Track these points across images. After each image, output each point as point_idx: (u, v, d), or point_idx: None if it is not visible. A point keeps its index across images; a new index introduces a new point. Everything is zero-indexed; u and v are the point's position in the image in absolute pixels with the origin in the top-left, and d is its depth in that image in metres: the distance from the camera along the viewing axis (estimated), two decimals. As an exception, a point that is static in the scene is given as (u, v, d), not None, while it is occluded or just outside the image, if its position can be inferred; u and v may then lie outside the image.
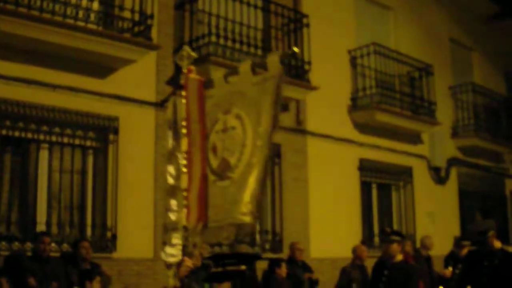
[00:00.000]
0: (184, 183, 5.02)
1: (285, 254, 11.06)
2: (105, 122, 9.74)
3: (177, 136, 5.21)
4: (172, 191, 5.15)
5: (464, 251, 10.55)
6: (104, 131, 9.82)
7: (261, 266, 10.28)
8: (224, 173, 4.80)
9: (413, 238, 14.32)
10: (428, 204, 15.05)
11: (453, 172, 16.36)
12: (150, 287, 9.52)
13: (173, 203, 5.12)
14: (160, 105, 10.12)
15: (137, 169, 9.85)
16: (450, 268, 9.96)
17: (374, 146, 13.95)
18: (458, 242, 10.73)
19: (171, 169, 5.22)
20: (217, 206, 4.83)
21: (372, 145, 13.90)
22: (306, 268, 10.71)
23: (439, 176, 15.83)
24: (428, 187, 15.43)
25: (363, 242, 12.41)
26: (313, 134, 12.73)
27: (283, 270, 9.85)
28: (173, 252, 5.07)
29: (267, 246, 11.79)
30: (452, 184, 16.31)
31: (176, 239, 5.03)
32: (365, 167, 13.69)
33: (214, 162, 4.94)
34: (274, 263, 9.96)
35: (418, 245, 13.21)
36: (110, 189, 9.70)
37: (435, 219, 14.89)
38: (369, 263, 11.27)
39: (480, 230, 7.30)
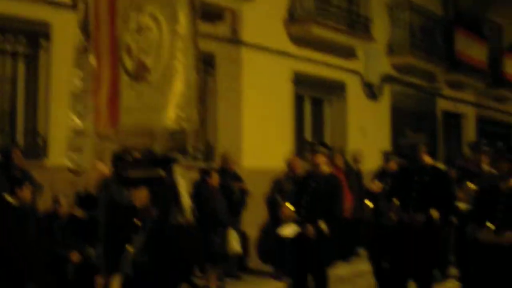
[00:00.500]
0: (93, 86, 4.84)
1: (217, 164, 11.11)
2: (36, 28, 9.45)
3: (87, 37, 5.03)
4: (80, 95, 4.97)
5: (391, 165, 10.77)
6: (35, 37, 9.54)
7: (193, 176, 10.32)
8: (140, 75, 4.68)
9: (344, 152, 14.57)
10: (360, 119, 15.27)
11: (387, 89, 16.57)
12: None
13: (80, 107, 4.95)
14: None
15: (69, 75, 9.62)
16: (377, 182, 10.01)
17: (309, 59, 13.96)
18: (387, 156, 10.88)
19: (79, 72, 5.02)
20: (132, 110, 4.71)
21: (307, 59, 13.90)
22: (237, 178, 10.79)
23: (372, 92, 16.01)
24: (361, 102, 15.61)
25: (296, 155, 12.57)
26: (249, 45, 12.64)
27: (214, 180, 9.87)
28: (80, 159, 4.92)
29: (199, 155, 11.78)
30: (385, 100, 16.54)
31: (85, 144, 4.87)
32: (299, 80, 13.72)
33: (129, 64, 4.81)
34: (205, 173, 9.99)
35: (349, 159, 13.46)
36: (41, 96, 9.51)
37: (366, 135, 15.13)
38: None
39: (410, 144, 7.47)
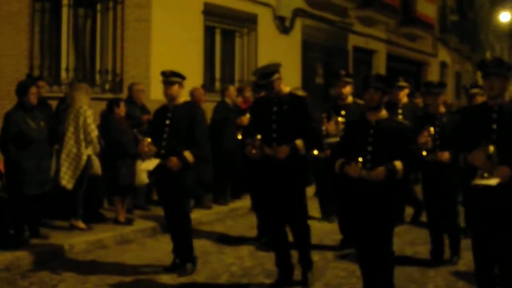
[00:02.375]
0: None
1: (124, 95, 10.93)
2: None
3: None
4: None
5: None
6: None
7: (101, 106, 10.14)
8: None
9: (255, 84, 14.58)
10: (271, 52, 15.17)
11: (298, 23, 16.55)
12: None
13: None
14: None
15: None
16: (248, 115, 9.64)
17: (221, -10, 13.76)
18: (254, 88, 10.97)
19: None
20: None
21: (218, -11, 13.70)
22: (145, 110, 10.67)
23: (283, 25, 15.98)
24: (272, 35, 15.56)
25: (204, 86, 12.49)
26: (159, -26, 12.34)
27: (121, 109, 9.72)
28: None
29: (107, 86, 11.61)
30: (296, 34, 16.54)
31: None
32: (210, 11, 13.51)
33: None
34: (112, 103, 9.82)
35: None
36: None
37: (277, 68, 15.13)
38: (208, 107, 11.46)
39: (263, 73, 6.84)
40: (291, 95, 6.89)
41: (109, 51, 11.65)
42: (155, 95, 11.70)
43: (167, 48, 12.22)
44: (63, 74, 10.91)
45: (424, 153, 7.57)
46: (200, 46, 13.31)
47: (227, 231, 9.86)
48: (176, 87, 7.42)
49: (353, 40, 19.66)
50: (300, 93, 7.22)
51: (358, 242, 6.13)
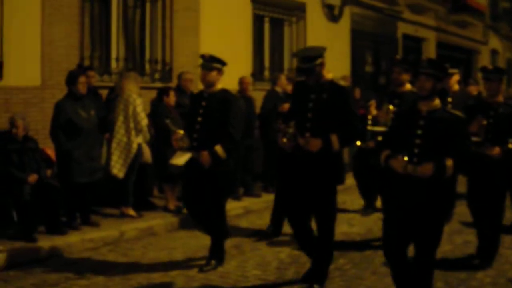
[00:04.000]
0: None
1: (174, 84, 10.98)
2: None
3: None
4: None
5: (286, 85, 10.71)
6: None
7: (151, 95, 10.23)
8: None
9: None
10: (319, 41, 15.01)
11: (347, 11, 16.43)
12: (37, 115, 9.32)
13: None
14: None
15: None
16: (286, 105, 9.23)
17: (269, -21, 13.73)
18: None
19: None
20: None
21: (266, -21, 13.68)
22: (194, 98, 10.70)
23: (332, 13, 15.86)
24: (321, 24, 15.47)
25: (253, 75, 12.49)
26: (208, -36, 12.35)
27: (171, 98, 9.80)
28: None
29: (157, 76, 11.68)
30: (345, 22, 16.41)
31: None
32: (258, 0, 13.49)
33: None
34: (162, 92, 9.89)
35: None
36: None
37: (326, 56, 15.03)
38: (258, 96, 11.46)
39: (306, 56, 6.23)
40: (332, 83, 6.23)
41: (158, 41, 11.72)
42: (204, 84, 11.74)
43: (216, 37, 12.24)
44: (113, 63, 11.00)
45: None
46: (249, 35, 13.29)
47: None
48: (214, 73, 6.96)
49: (403, 28, 19.44)
50: (343, 82, 6.53)
51: (397, 244, 5.44)
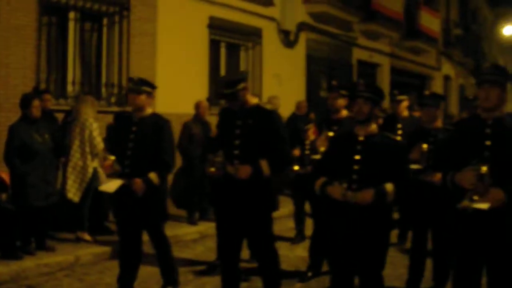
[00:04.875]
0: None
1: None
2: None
3: None
4: None
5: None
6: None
7: (107, 119, 10.22)
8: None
9: (260, 98, 14.66)
10: (275, 66, 15.34)
11: (302, 37, 16.66)
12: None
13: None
14: None
15: None
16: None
17: (225, 5, 13.88)
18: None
19: None
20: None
21: (223, 4, 13.82)
22: (151, 122, 10.71)
23: (288, 39, 16.08)
24: (277, 49, 15.67)
25: (209, 99, 12.54)
26: (164, -12, 12.45)
27: (127, 123, 9.79)
28: None
29: (113, 99, 11.69)
30: (301, 48, 16.64)
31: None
32: (215, 25, 13.62)
33: None
34: (119, 116, 9.88)
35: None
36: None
37: (282, 82, 15.23)
38: (214, 120, 11.48)
39: (228, 81, 5.97)
40: (258, 108, 6.02)
41: (115, 65, 11.74)
42: (160, 108, 11.76)
43: (172, 61, 12.31)
44: (69, 87, 10.99)
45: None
46: (205, 60, 13.39)
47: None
48: (143, 96, 6.56)
49: (357, 54, 19.76)
50: (269, 106, 6.37)
51: (342, 270, 5.30)
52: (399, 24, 21.19)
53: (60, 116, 9.87)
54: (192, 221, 10.54)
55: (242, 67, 15.03)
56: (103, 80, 11.69)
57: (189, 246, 9.56)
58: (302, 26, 16.48)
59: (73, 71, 11.10)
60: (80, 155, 8.97)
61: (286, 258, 8.74)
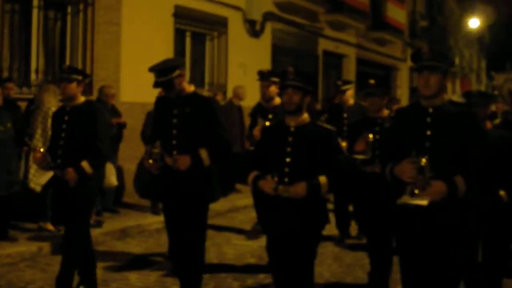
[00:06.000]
0: None
1: (94, 97, 10.92)
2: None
3: None
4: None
5: None
6: None
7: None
8: None
9: (224, 88, 14.69)
10: (241, 56, 15.32)
11: (268, 27, 16.65)
12: None
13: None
14: None
15: None
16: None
17: (191, -6, 13.82)
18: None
19: None
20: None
21: (188, -7, 13.76)
22: (115, 112, 10.68)
23: (254, 29, 16.06)
24: (242, 39, 15.65)
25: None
26: (129, -23, 12.35)
27: (90, 112, 9.73)
28: None
29: (77, 89, 11.58)
30: (266, 38, 16.63)
31: None
32: (180, 14, 13.54)
33: None
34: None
35: (230, 95, 13.59)
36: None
37: (247, 71, 15.22)
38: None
39: (161, 69, 5.76)
40: (195, 95, 5.87)
41: (79, 53, 11.64)
42: (125, 97, 11.76)
43: (137, 50, 12.23)
44: (33, 75, 10.88)
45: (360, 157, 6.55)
46: (171, 49, 13.33)
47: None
48: (74, 85, 6.30)
49: (323, 44, 19.81)
50: (206, 93, 6.25)
51: (278, 269, 5.11)
52: (365, 15, 21.29)
53: (23, 105, 9.78)
54: (155, 211, 10.54)
55: (208, 57, 15.00)
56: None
57: (153, 236, 9.58)
58: (268, 16, 16.48)
59: (36, 60, 10.98)
60: (43, 144, 8.90)
61: (251, 248, 8.82)
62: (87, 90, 11.35)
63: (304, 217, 4.92)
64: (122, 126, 10.58)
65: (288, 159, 4.93)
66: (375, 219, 6.72)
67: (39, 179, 6.41)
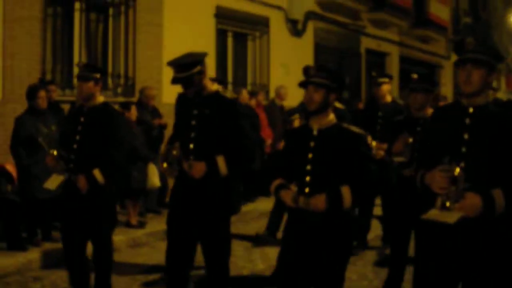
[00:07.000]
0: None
1: (136, 99, 10.96)
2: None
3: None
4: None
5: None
6: None
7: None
8: None
9: (267, 88, 14.61)
10: (283, 55, 15.24)
11: (310, 26, 16.53)
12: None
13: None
14: None
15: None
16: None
17: (232, -6, 13.80)
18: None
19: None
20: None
21: (230, -7, 13.74)
22: (156, 113, 10.70)
23: (296, 28, 15.96)
24: (284, 38, 15.55)
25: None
26: (170, -22, 12.37)
27: (132, 113, 9.75)
28: None
29: (119, 90, 11.64)
30: (308, 37, 16.51)
31: None
32: (222, 14, 13.52)
33: None
34: (124, 106, 9.83)
35: (272, 95, 13.53)
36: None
37: (289, 71, 15.12)
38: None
39: (181, 63, 5.24)
40: (217, 96, 5.29)
41: (121, 55, 11.69)
42: (167, 98, 11.74)
43: (179, 51, 11.94)
44: (75, 78, 10.94)
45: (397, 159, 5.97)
46: (212, 50, 13.30)
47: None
48: (91, 83, 5.84)
49: (366, 43, 19.62)
50: (230, 94, 5.65)
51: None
52: (408, 12, 21.02)
53: (66, 107, 9.84)
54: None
55: (250, 57, 14.95)
56: (109, 70, 11.64)
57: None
58: (310, 15, 16.35)
59: (79, 62, 11.05)
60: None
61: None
62: (130, 91, 11.44)
63: (327, 233, 4.36)
64: (163, 127, 10.58)
65: (309, 167, 4.38)
66: (405, 227, 6.12)
67: (49, 183, 5.98)
